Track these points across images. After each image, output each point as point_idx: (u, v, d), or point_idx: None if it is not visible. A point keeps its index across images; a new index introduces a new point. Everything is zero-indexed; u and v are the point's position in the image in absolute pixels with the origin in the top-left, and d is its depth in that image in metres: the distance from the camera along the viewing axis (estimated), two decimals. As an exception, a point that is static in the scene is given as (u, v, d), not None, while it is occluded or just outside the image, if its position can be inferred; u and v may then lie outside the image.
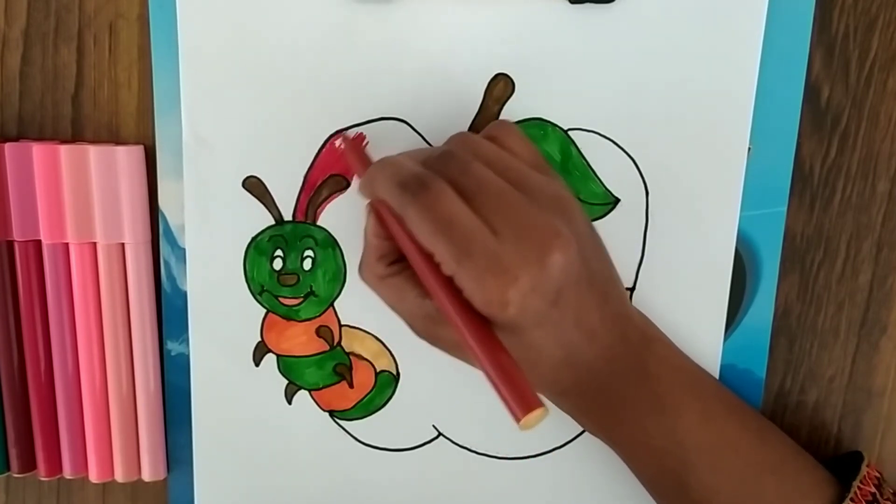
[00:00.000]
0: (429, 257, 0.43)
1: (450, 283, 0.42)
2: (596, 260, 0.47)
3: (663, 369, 0.50)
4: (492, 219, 0.42)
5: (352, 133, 0.52)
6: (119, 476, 0.57)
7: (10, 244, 0.54)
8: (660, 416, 0.49)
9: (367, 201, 0.47)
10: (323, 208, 0.54)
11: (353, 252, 0.54)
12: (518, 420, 0.38)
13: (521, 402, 0.38)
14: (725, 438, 0.50)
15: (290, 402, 0.57)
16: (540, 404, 0.38)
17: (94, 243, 0.54)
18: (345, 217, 0.54)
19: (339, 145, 0.52)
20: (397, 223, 0.44)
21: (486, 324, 0.42)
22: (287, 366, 0.56)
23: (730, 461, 0.50)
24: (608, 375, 0.48)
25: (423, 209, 0.42)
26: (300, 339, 0.56)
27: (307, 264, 0.54)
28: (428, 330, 0.48)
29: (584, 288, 0.46)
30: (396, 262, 0.47)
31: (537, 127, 0.52)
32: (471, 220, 0.42)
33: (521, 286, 0.41)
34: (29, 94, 0.54)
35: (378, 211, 0.46)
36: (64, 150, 0.53)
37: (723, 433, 0.50)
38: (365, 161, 0.50)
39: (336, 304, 0.55)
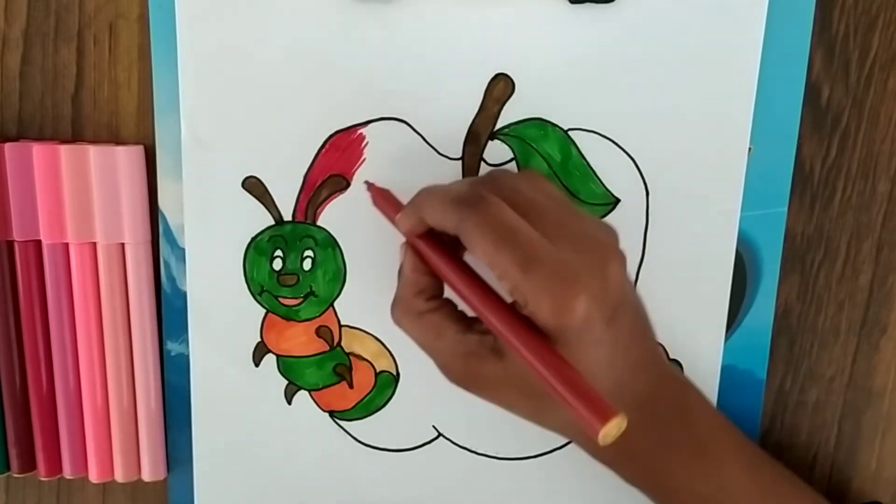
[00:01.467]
0: (478, 281, 0.43)
1: (504, 306, 0.42)
2: (634, 291, 0.47)
3: (702, 415, 0.50)
4: (548, 232, 0.42)
5: (376, 183, 0.52)
6: (119, 476, 0.57)
7: (10, 244, 0.54)
8: (704, 461, 0.48)
9: (401, 241, 0.47)
10: (323, 208, 0.54)
11: (352, 252, 0.54)
12: (597, 432, 0.37)
13: (598, 412, 0.37)
14: (766, 485, 0.50)
15: (289, 403, 0.56)
16: (618, 412, 0.37)
17: (94, 243, 0.54)
18: (344, 217, 0.54)
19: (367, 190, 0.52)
20: (440, 255, 0.44)
21: (546, 341, 0.41)
22: (287, 366, 0.56)
23: None
24: (652, 417, 0.47)
25: (483, 221, 0.42)
26: (300, 340, 0.56)
27: (307, 264, 0.54)
28: (467, 369, 0.46)
29: (632, 313, 0.46)
30: (434, 298, 0.46)
31: (537, 127, 0.52)
32: (532, 231, 0.42)
33: (588, 294, 0.41)
34: (29, 94, 0.54)
35: (416, 246, 0.46)
36: (64, 150, 0.53)
37: (762, 481, 0.50)
38: (394, 204, 0.49)
39: (336, 304, 0.55)
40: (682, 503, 0.50)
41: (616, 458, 0.49)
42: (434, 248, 0.45)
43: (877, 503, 0.56)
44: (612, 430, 0.37)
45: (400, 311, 0.48)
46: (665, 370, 0.49)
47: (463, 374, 0.47)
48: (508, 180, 0.44)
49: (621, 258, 0.43)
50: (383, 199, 0.50)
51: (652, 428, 0.48)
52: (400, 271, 0.47)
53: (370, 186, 0.51)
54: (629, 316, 0.45)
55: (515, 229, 0.41)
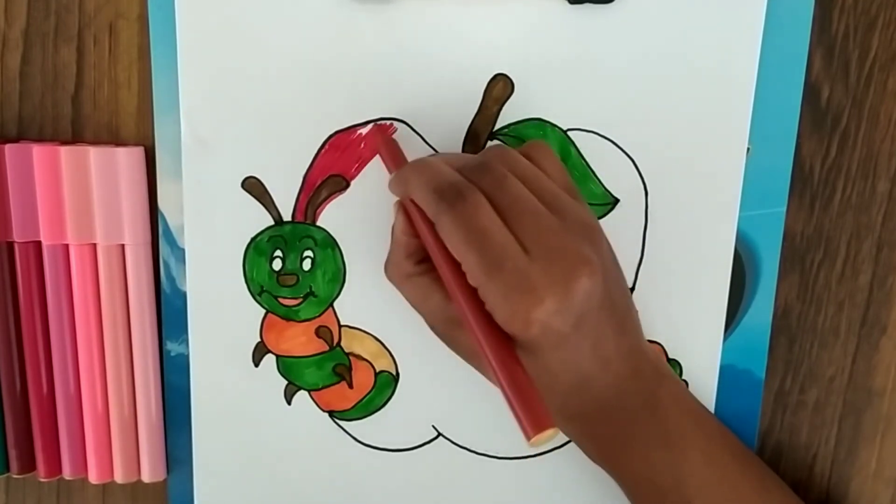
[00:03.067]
0: (455, 265, 0.43)
1: (473, 293, 0.43)
2: (617, 290, 0.48)
3: (673, 407, 0.50)
4: (524, 237, 0.42)
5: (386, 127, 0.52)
6: (118, 477, 0.57)
7: (11, 245, 0.54)
8: (666, 452, 0.49)
9: (395, 199, 0.47)
10: (322, 208, 0.54)
11: (352, 252, 0.54)
12: (529, 438, 0.38)
13: (534, 419, 0.39)
14: (728, 481, 0.50)
15: (289, 403, 0.57)
16: (552, 424, 0.38)
17: (94, 244, 0.54)
18: (344, 217, 0.54)
19: (366, 133, 0.52)
20: (427, 226, 0.44)
21: (506, 338, 0.42)
22: (286, 366, 0.56)
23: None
24: (618, 406, 0.49)
25: (457, 219, 0.42)
26: (300, 340, 0.56)
27: (306, 265, 0.54)
28: (448, 333, 0.48)
29: (605, 316, 0.46)
30: (424, 262, 0.47)
31: (536, 127, 0.52)
32: (504, 236, 0.42)
33: (546, 307, 0.42)
34: (29, 94, 0.54)
35: (408, 209, 0.46)
36: (64, 151, 0.53)
37: (725, 475, 0.50)
38: (397, 157, 0.50)
39: (335, 304, 0.55)
40: (640, 490, 0.51)
41: (582, 435, 0.51)
42: (423, 218, 0.45)
43: None
44: (542, 439, 0.38)
45: (391, 270, 0.49)
46: (640, 363, 0.50)
47: (443, 336, 0.49)
48: (498, 170, 0.44)
49: (593, 269, 0.43)
50: (388, 149, 0.51)
51: (616, 417, 0.49)
52: (392, 230, 0.48)
53: (379, 130, 0.52)
54: (602, 318, 0.46)
55: (486, 232, 0.42)
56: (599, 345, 0.46)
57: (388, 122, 0.52)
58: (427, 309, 0.48)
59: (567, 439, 0.55)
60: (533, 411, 0.39)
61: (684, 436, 0.50)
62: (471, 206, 0.42)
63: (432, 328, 0.49)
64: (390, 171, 0.49)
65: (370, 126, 0.52)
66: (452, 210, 0.42)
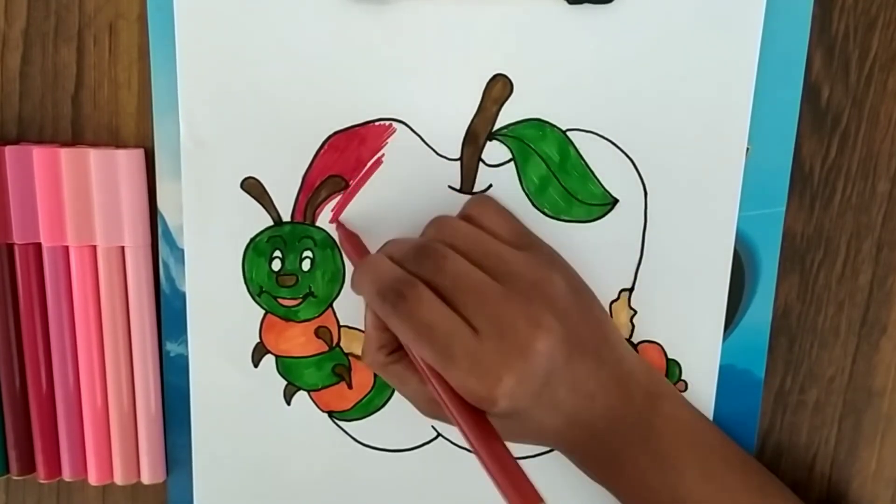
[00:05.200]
0: None
1: (442, 378, 0.44)
2: (585, 327, 0.48)
3: (667, 427, 0.51)
4: (471, 316, 0.43)
5: (346, 224, 0.54)
6: (118, 479, 0.57)
7: (10, 247, 0.54)
8: (662, 473, 0.50)
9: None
10: (322, 209, 0.54)
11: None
12: None
13: (521, 497, 0.39)
14: (727, 493, 0.51)
15: (289, 403, 0.57)
16: (539, 499, 0.39)
17: (94, 246, 0.54)
18: (344, 217, 0.54)
19: (335, 225, 0.54)
20: None
21: (482, 413, 0.43)
22: (286, 366, 0.56)
23: None
24: (611, 434, 0.49)
25: (402, 319, 0.43)
26: (299, 340, 0.56)
27: (306, 265, 0.54)
28: (432, 412, 0.49)
29: (576, 360, 0.47)
30: (396, 351, 0.48)
31: (535, 127, 0.52)
32: (450, 323, 0.43)
33: (507, 383, 0.43)
34: (29, 94, 0.54)
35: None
36: (64, 153, 0.53)
37: (724, 488, 0.51)
38: (360, 250, 0.51)
39: (335, 304, 0.55)
40: None
41: (582, 463, 0.52)
42: None
43: None
44: None
45: (367, 360, 0.50)
46: (627, 388, 0.50)
47: (430, 414, 0.50)
48: (436, 252, 0.45)
49: (546, 330, 0.44)
50: (350, 243, 0.52)
51: (611, 443, 0.50)
52: (364, 324, 0.49)
53: (339, 227, 0.53)
54: (573, 364, 0.46)
55: (431, 325, 0.43)
56: (578, 385, 0.47)
57: (388, 123, 0.52)
58: (407, 393, 0.49)
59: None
60: (519, 489, 0.39)
61: (680, 455, 0.50)
62: (412, 303, 0.43)
63: (417, 408, 0.50)
64: (353, 265, 0.50)
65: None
66: (396, 311, 0.43)
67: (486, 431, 0.42)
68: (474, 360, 0.42)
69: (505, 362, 0.42)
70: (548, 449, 0.55)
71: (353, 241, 0.52)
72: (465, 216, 0.48)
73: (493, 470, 0.41)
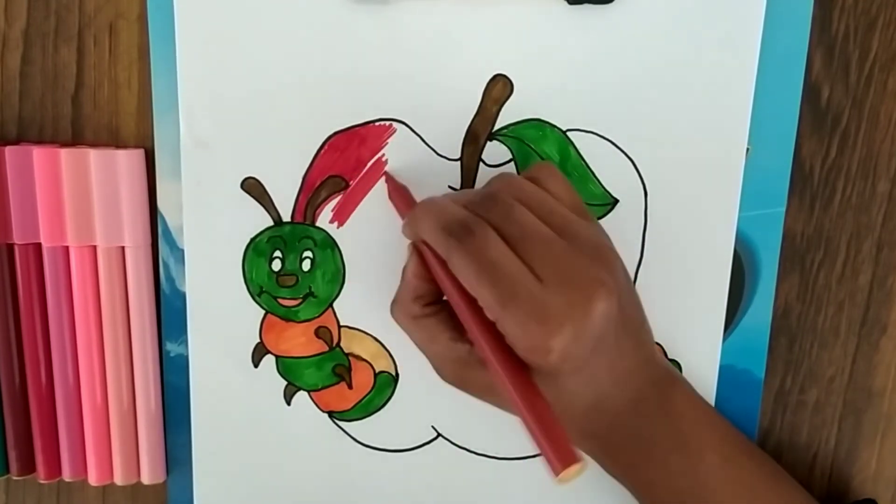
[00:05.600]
0: (471, 301, 0.43)
1: (491, 328, 0.43)
2: (631, 307, 0.47)
3: (686, 410, 0.50)
4: (536, 265, 0.42)
5: (395, 176, 0.53)
6: (118, 479, 0.57)
7: (11, 247, 0.54)
8: (683, 454, 0.49)
9: (409, 241, 0.47)
10: (322, 209, 0.54)
11: (351, 253, 0.54)
12: (557, 474, 0.38)
13: (561, 455, 0.39)
14: (743, 479, 0.50)
15: (289, 403, 0.57)
16: (579, 458, 0.38)
17: (94, 246, 0.54)
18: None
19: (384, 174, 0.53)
20: (441, 266, 0.44)
21: (525, 370, 0.42)
22: (286, 367, 0.56)
23: (746, 502, 0.50)
24: (635, 417, 0.49)
25: (467, 254, 0.42)
26: (299, 340, 0.56)
27: (306, 265, 0.54)
28: (457, 373, 0.48)
29: (621, 335, 0.46)
30: (432, 304, 0.47)
31: (536, 128, 0.52)
32: (516, 266, 0.42)
33: (565, 334, 0.41)
34: (29, 94, 0.54)
35: (421, 252, 0.46)
36: (64, 153, 0.53)
37: (741, 474, 0.50)
38: (409, 201, 0.50)
39: (335, 304, 0.55)
40: (659, 496, 0.51)
41: (600, 450, 0.51)
42: (437, 258, 0.45)
43: (871, 500, 0.56)
44: (570, 474, 0.38)
45: (398, 311, 0.49)
46: (654, 373, 0.50)
47: (453, 377, 0.48)
48: (505, 201, 0.44)
49: (608, 291, 0.43)
50: (399, 195, 0.51)
51: (634, 426, 0.49)
52: (403, 272, 0.48)
53: (388, 179, 0.52)
54: (619, 338, 0.46)
55: (497, 265, 0.42)
56: (617, 362, 0.47)
57: (388, 123, 0.52)
58: (434, 351, 0.48)
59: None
60: (560, 447, 0.39)
61: (700, 437, 0.50)
62: (480, 240, 0.42)
63: (439, 370, 0.49)
64: (401, 216, 0.49)
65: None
66: (462, 246, 0.42)
67: (529, 387, 0.41)
68: (537, 305, 0.41)
69: (567, 313, 0.41)
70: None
71: (403, 193, 0.51)
72: (529, 178, 0.47)
73: (533, 427, 0.40)
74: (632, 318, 0.47)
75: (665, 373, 0.51)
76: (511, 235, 0.43)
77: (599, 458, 0.51)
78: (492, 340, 0.42)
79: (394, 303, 0.49)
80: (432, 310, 0.47)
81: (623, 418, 0.49)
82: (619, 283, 0.45)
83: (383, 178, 0.53)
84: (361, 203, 0.53)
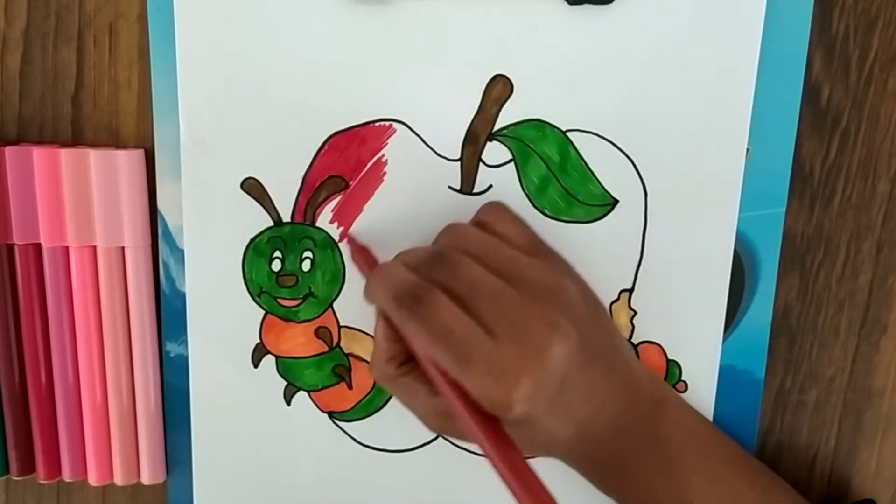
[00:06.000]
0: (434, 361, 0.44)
1: (457, 384, 0.43)
2: (597, 334, 0.48)
3: (674, 432, 0.50)
4: (488, 320, 0.43)
5: (356, 238, 0.53)
6: (118, 479, 0.57)
7: (10, 247, 0.54)
8: (670, 479, 0.50)
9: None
10: (322, 209, 0.54)
11: (351, 253, 0.54)
12: None
13: (536, 503, 0.39)
14: (733, 497, 0.51)
15: (289, 404, 0.57)
16: (553, 503, 0.39)
17: (94, 247, 0.54)
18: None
19: (345, 237, 0.54)
20: None
21: (496, 420, 0.43)
22: (286, 367, 0.56)
23: None
24: (619, 442, 0.49)
25: (418, 322, 0.43)
26: (299, 341, 0.56)
27: (306, 265, 0.54)
28: (441, 425, 0.48)
29: (588, 367, 0.46)
30: (406, 363, 0.48)
31: (536, 128, 0.52)
32: (467, 327, 0.43)
33: (524, 387, 0.42)
34: (29, 94, 0.54)
35: (385, 315, 0.46)
36: (64, 153, 0.53)
37: (730, 492, 0.51)
38: (370, 262, 0.51)
39: (335, 305, 0.55)
40: None
41: (588, 473, 0.51)
42: None
43: (870, 500, 0.56)
44: None
45: (375, 373, 0.49)
46: (635, 394, 0.50)
47: (438, 428, 0.49)
48: (451, 258, 0.45)
49: (563, 334, 0.43)
50: (361, 256, 0.52)
51: (619, 451, 0.50)
52: (374, 335, 0.48)
53: (350, 241, 0.53)
54: (586, 371, 0.46)
55: (449, 329, 0.42)
56: (590, 393, 0.47)
57: (388, 123, 0.52)
58: (415, 406, 0.49)
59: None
60: (534, 496, 0.40)
61: (687, 459, 0.50)
62: (428, 307, 0.43)
63: (424, 423, 0.49)
64: (365, 278, 0.50)
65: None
66: (412, 315, 0.43)
67: (500, 438, 0.42)
68: (492, 364, 0.42)
69: (523, 366, 0.42)
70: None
71: (364, 254, 0.52)
72: (477, 223, 0.48)
73: (508, 477, 0.40)
74: (599, 349, 0.47)
75: (649, 395, 0.51)
76: (460, 293, 0.44)
77: (589, 479, 0.52)
78: (459, 396, 0.43)
79: (370, 365, 0.50)
80: (407, 368, 0.48)
81: (608, 444, 0.49)
82: (577, 318, 0.45)
83: (346, 241, 0.54)
84: (361, 204, 0.53)
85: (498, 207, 0.49)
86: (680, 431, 0.51)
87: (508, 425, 0.43)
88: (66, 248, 0.54)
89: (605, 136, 0.52)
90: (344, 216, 0.54)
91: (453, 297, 0.43)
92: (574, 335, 0.44)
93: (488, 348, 0.42)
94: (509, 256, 0.46)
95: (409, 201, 0.53)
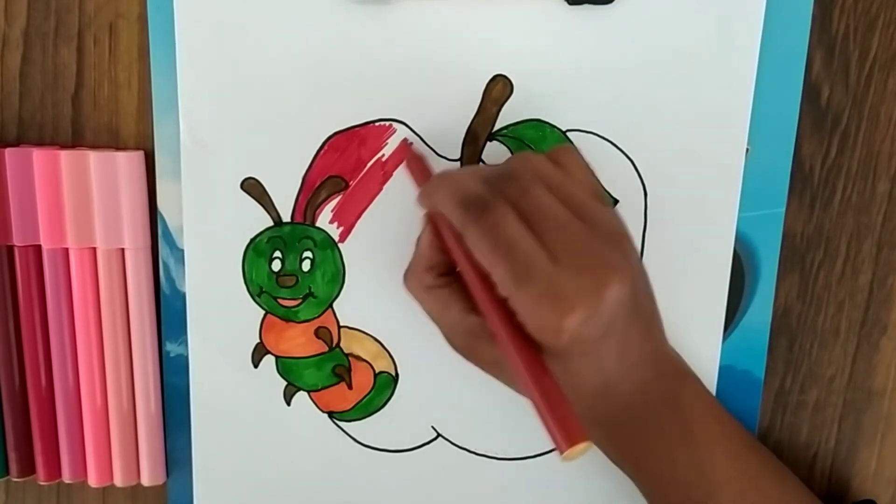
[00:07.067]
0: (484, 276, 0.43)
1: (503, 304, 0.42)
2: (644, 296, 0.47)
3: (694, 405, 0.50)
4: (552, 246, 0.42)
5: (413, 147, 0.53)
6: (118, 481, 0.57)
7: (11, 249, 0.54)
8: (689, 449, 0.49)
9: (423, 211, 0.47)
10: (322, 209, 0.54)
11: (352, 253, 0.54)
12: (562, 451, 0.38)
13: (567, 433, 0.38)
14: (749, 475, 0.50)
15: (289, 404, 0.57)
16: (585, 437, 0.38)
17: (94, 248, 0.54)
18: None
19: (395, 149, 0.53)
20: (455, 238, 0.44)
21: (535, 348, 0.42)
22: (286, 367, 0.56)
23: (751, 497, 0.50)
24: (642, 408, 0.49)
25: (484, 230, 0.42)
26: (299, 341, 0.56)
27: (306, 265, 0.54)
28: (467, 345, 0.48)
29: (633, 322, 0.46)
30: (445, 275, 0.47)
31: (535, 128, 0.52)
32: (531, 245, 0.42)
33: (577, 316, 0.41)
34: (29, 94, 0.54)
35: (436, 222, 0.46)
36: (64, 155, 0.53)
37: (747, 469, 0.50)
38: (424, 170, 0.50)
39: (335, 305, 0.55)
40: (664, 488, 0.51)
41: (605, 438, 0.51)
42: (451, 230, 0.44)
43: (870, 501, 0.56)
44: (575, 453, 0.38)
45: (411, 280, 0.48)
46: (662, 366, 0.49)
47: (463, 348, 0.48)
48: (524, 179, 0.44)
49: (622, 276, 0.42)
50: (416, 164, 0.51)
51: (641, 418, 0.49)
52: (417, 241, 0.48)
53: (406, 147, 0.52)
54: (629, 325, 0.45)
55: (513, 242, 0.41)
56: (626, 350, 0.46)
57: (388, 123, 0.52)
58: (445, 321, 0.48)
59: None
60: (566, 425, 0.39)
61: (707, 432, 0.50)
62: (497, 217, 0.42)
63: (450, 340, 0.49)
64: (417, 185, 0.49)
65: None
66: (478, 222, 0.42)
67: (538, 365, 0.41)
68: (550, 285, 0.41)
69: (579, 295, 0.41)
70: (552, 448, 0.56)
71: (420, 163, 0.51)
72: (550, 159, 0.47)
73: (541, 403, 0.40)
74: (643, 308, 0.47)
75: (674, 367, 0.50)
76: (528, 214, 0.43)
77: (604, 446, 0.51)
78: (503, 316, 0.42)
79: (407, 272, 0.49)
80: (445, 280, 0.47)
81: (630, 409, 0.48)
82: (634, 270, 0.45)
83: (402, 145, 0.53)
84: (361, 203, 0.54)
85: (571, 150, 0.48)
86: (701, 406, 0.50)
87: (544, 358, 0.42)
88: (66, 249, 0.54)
89: (605, 137, 0.52)
90: (344, 216, 0.54)
91: (521, 216, 0.43)
92: (630, 283, 0.43)
93: (549, 271, 0.41)
94: (579, 195, 0.45)
95: (409, 201, 0.53)
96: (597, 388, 0.47)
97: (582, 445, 0.38)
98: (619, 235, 0.45)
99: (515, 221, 0.42)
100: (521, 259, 0.41)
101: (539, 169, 0.45)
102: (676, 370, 0.50)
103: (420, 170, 0.50)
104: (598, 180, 0.48)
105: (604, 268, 0.42)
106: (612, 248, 0.43)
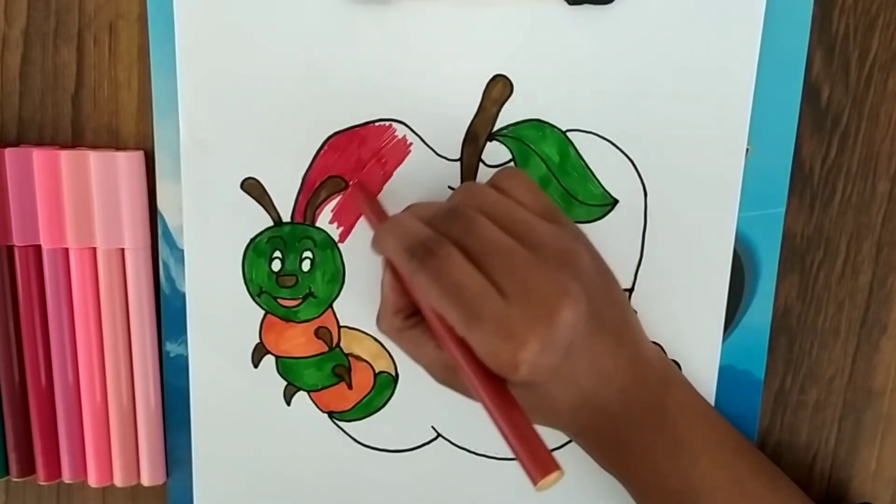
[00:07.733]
0: (441, 316, 0.43)
1: (462, 342, 0.42)
2: (607, 305, 0.47)
3: (680, 413, 0.50)
4: (499, 280, 0.42)
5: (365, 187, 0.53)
6: (118, 481, 0.57)
7: (10, 249, 0.54)
8: (675, 459, 0.49)
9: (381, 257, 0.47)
10: (321, 209, 0.54)
11: (351, 253, 0.54)
12: (535, 483, 0.38)
13: (538, 465, 0.38)
14: (739, 482, 0.50)
15: (288, 404, 0.57)
16: (556, 467, 0.38)
17: (94, 248, 0.54)
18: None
19: (347, 192, 0.53)
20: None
21: (499, 381, 0.42)
22: (286, 367, 0.56)
23: None
24: (625, 417, 0.49)
25: (430, 275, 0.42)
26: (299, 341, 0.56)
27: (306, 265, 0.54)
28: (448, 378, 0.48)
29: (596, 336, 0.46)
30: (413, 316, 0.47)
31: (535, 128, 0.52)
32: (478, 284, 0.42)
33: (531, 348, 0.41)
34: (29, 94, 0.54)
35: (393, 267, 0.46)
36: (64, 155, 0.53)
37: (736, 477, 0.50)
38: (379, 214, 0.50)
39: (335, 305, 0.55)
40: (652, 495, 0.51)
41: (592, 446, 0.51)
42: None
43: None
44: (547, 483, 0.38)
45: (382, 324, 0.49)
46: (643, 371, 0.49)
47: (444, 381, 0.49)
48: (467, 215, 0.44)
49: (573, 299, 0.43)
50: (370, 206, 0.51)
51: (624, 427, 0.49)
52: (381, 286, 0.48)
53: (359, 189, 0.53)
54: (593, 339, 0.46)
55: (460, 284, 0.42)
56: (596, 362, 0.46)
57: (387, 124, 0.52)
58: (423, 359, 0.48)
59: (567, 439, 0.55)
60: (536, 456, 0.39)
61: (693, 441, 0.50)
62: (441, 261, 0.42)
63: (431, 374, 0.49)
64: (373, 229, 0.49)
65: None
66: (424, 267, 0.42)
67: (504, 398, 0.41)
68: (500, 323, 0.41)
69: (531, 327, 0.41)
70: (557, 446, 0.56)
71: (373, 203, 0.51)
72: (493, 185, 0.47)
73: (510, 437, 0.40)
74: (608, 319, 0.47)
75: (657, 372, 0.50)
76: (473, 250, 0.43)
77: (592, 453, 0.51)
78: (464, 354, 0.42)
79: (378, 316, 0.49)
80: (415, 321, 0.47)
81: (612, 416, 0.49)
82: (589, 286, 0.45)
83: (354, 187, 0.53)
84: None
85: (514, 172, 0.48)
86: (687, 413, 0.50)
87: (512, 388, 0.43)
88: (66, 249, 0.54)
89: (605, 136, 0.52)
90: (344, 216, 0.54)
91: (466, 253, 0.43)
92: (584, 302, 0.43)
93: (498, 307, 0.41)
94: (524, 219, 0.45)
95: (409, 201, 0.53)
96: (573, 404, 0.47)
97: (554, 475, 0.38)
98: (568, 254, 0.45)
99: (460, 262, 0.42)
100: (469, 299, 0.42)
101: (481, 200, 0.45)
102: (659, 377, 0.50)
103: (374, 212, 0.50)
104: (547, 197, 0.48)
105: (552, 294, 0.42)
106: (561, 270, 0.44)
